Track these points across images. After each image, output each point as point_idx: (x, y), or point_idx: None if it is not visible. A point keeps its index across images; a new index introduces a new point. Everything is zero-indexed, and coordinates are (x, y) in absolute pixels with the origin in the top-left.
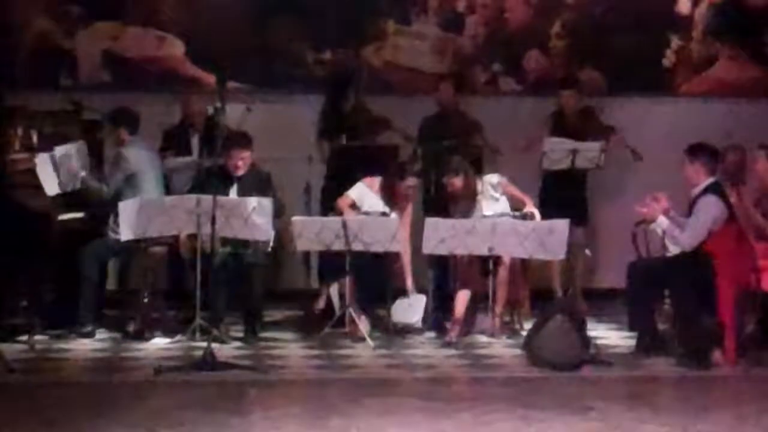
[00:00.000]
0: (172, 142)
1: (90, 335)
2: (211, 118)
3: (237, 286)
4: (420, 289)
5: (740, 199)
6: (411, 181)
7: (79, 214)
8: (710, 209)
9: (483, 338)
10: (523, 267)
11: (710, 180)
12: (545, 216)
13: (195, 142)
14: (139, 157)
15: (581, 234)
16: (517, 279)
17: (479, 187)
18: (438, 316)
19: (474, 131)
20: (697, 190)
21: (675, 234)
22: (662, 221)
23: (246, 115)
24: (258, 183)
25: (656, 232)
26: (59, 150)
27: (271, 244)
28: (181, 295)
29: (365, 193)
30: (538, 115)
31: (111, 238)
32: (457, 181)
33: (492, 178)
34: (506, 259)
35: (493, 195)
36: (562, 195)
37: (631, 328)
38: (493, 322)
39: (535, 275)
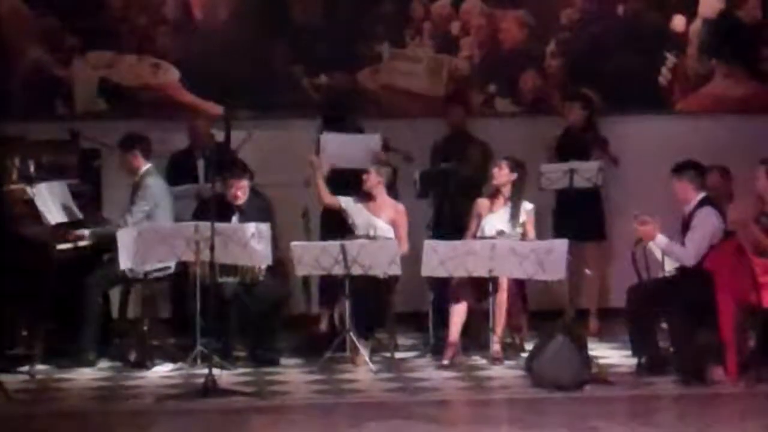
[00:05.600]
0: (179, 167)
1: (92, 364)
2: (220, 143)
3: (248, 316)
4: (419, 311)
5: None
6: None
7: (79, 243)
8: (709, 221)
9: (484, 360)
10: (520, 291)
11: (701, 195)
12: (561, 233)
13: (201, 167)
14: (159, 187)
15: (595, 250)
16: (515, 304)
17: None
18: (437, 338)
19: (485, 154)
20: (690, 206)
21: (675, 250)
22: (660, 240)
23: (247, 141)
24: (258, 211)
25: (654, 252)
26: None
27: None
28: (183, 323)
29: (356, 210)
30: (535, 136)
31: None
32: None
33: (527, 205)
34: (503, 282)
35: (521, 220)
36: (577, 211)
37: (634, 352)
38: (495, 346)
39: (546, 295)
